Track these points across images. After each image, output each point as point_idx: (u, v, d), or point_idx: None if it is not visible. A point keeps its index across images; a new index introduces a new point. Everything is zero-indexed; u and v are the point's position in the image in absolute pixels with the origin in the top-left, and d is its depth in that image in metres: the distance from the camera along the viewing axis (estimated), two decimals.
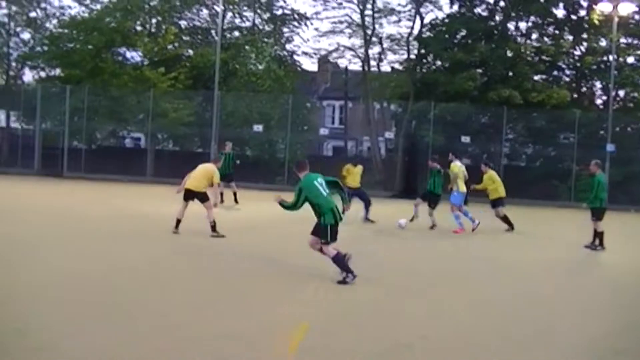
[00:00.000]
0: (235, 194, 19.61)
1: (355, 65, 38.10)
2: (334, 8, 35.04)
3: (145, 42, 33.44)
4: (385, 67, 36.68)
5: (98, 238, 12.05)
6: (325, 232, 8.94)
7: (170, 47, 33.82)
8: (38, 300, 7.24)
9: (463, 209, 15.53)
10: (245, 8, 35.36)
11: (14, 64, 37.01)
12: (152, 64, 33.25)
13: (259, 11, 35.72)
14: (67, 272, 8.81)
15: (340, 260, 8.93)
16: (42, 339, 5.81)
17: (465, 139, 30.31)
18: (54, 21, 36.51)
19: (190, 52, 34.96)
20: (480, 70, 31.95)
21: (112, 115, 32.92)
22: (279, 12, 35.82)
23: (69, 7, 36.96)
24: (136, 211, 17.08)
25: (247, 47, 33.75)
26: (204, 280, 8.98)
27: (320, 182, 9.07)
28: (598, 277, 11.33)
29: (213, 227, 12.61)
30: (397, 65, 36.14)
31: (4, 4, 36.27)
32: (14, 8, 36.36)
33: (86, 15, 35.01)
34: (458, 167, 15.71)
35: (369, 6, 33.97)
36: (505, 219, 16.20)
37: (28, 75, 37.76)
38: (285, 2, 36.01)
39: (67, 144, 32.97)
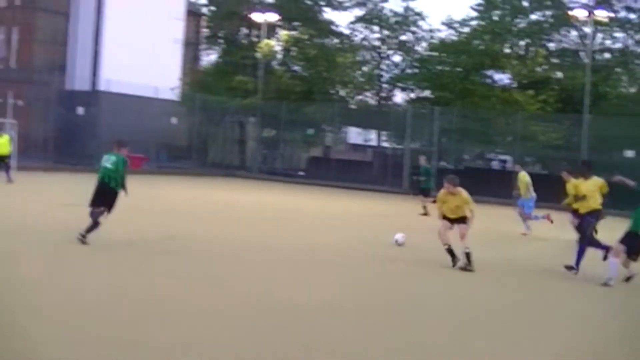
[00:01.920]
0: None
1: None
2: None
3: (513, 65, 45.41)
4: None
5: None
6: None
7: (538, 69, 45.37)
8: None
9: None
10: (616, 29, 45.84)
11: (385, 85, 51.47)
12: (520, 86, 45.02)
13: (630, 32, 45.97)
14: None
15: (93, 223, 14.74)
16: None
17: None
18: (424, 44, 50.55)
19: (559, 74, 46.16)
20: None
21: (480, 137, 44.85)
22: None
23: (438, 30, 50.24)
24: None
25: (618, 70, 43.92)
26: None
27: (109, 158, 15.27)
28: None
29: (467, 255, 14.95)
30: None
31: (376, 28, 51.02)
32: (385, 32, 50.82)
33: (455, 38, 48.25)
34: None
35: None
36: None
37: (398, 97, 52.37)
38: None
39: (435, 164, 45.45)
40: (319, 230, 21.52)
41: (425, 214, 26.19)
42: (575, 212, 17.30)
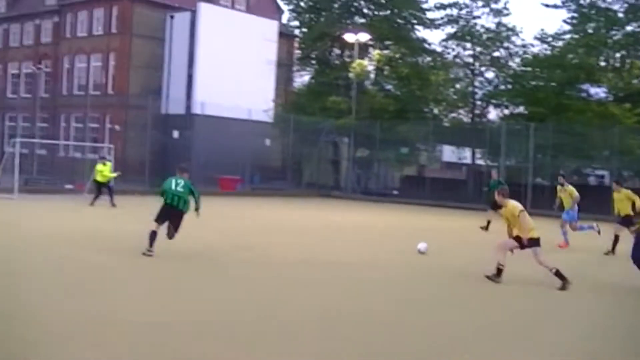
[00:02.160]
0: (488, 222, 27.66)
1: None
2: None
3: (609, 78, 45.57)
4: None
5: None
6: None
7: (635, 81, 45.42)
8: None
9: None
10: None
11: (479, 102, 52.20)
12: (616, 99, 45.13)
13: None
14: None
15: (150, 236, 16.10)
16: None
17: None
18: (517, 59, 51.13)
19: None
20: None
21: (575, 153, 44.79)
22: None
23: (531, 45, 50.68)
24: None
25: None
26: None
27: (178, 182, 16.66)
28: None
29: (557, 274, 14.25)
30: None
31: (468, 45, 51.77)
32: (478, 49, 51.58)
33: (548, 52, 48.70)
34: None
35: None
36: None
37: (492, 113, 53.13)
38: None
39: (530, 181, 45.86)
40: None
41: (486, 227, 27.70)
42: (623, 220, 18.67)
